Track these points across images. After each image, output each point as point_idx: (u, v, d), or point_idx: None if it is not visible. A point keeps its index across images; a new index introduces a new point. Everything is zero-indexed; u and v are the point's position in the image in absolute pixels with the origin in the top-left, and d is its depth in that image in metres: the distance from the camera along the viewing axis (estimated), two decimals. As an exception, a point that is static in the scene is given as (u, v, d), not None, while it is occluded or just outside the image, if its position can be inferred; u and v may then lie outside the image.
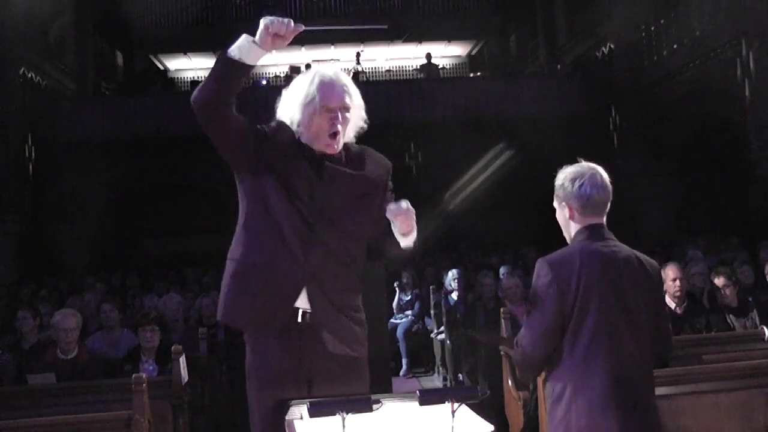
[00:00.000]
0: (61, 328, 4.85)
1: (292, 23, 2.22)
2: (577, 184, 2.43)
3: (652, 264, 2.45)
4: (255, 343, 2.45)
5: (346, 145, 2.48)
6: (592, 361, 2.30)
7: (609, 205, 2.47)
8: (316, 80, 2.40)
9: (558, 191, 2.49)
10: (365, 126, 2.49)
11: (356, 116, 2.46)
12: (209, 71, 2.29)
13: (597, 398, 2.28)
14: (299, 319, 2.38)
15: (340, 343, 2.41)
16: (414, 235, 2.41)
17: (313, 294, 2.38)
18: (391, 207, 2.32)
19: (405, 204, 2.31)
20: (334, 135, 2.38)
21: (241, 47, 2.25)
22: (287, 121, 2.45)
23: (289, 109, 2.45)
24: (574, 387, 2.31)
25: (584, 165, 2.48)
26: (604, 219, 2.47)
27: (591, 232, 2.42)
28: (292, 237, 2.36)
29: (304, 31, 2.24)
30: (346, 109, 2.40)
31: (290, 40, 2.24)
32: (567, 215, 2.47)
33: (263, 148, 2.37)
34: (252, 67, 2.28)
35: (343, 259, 2.43)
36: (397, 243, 2.43)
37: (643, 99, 13.03)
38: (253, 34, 2.25)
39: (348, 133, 2.46)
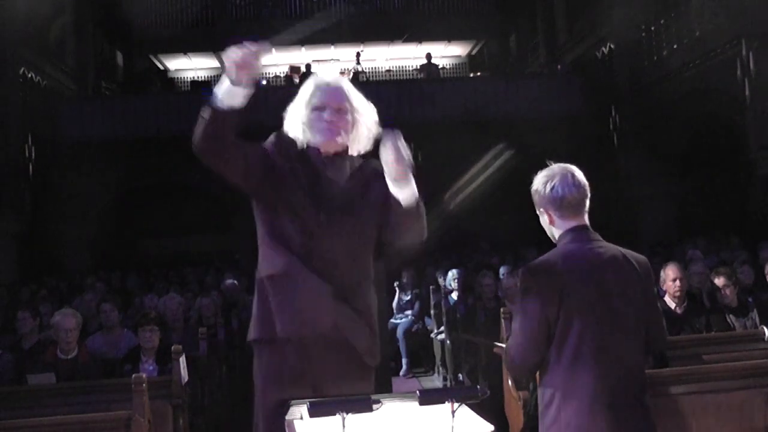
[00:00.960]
0: (61, 328, 4.85)
1: (251, 46, 2.19)
2: (548, 187, 2.38)
3: (640, 261, 2.39)
4: (267, 350, 2.45)
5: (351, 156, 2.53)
6: (579, 365, 2.27)
7: (587, 203, 2.41)
8: (312, 82, 2.51)
9: (534, 197, 2.44)
10: (375, 131, 2.51)
11: (362, 121, 2.51)
12: (200, 118, 2.26)
13: (586, 401, 2.26)
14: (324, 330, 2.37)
15: (358, 350, 2.42)
16: (412, 186, 2.36)
17: (333, 304, 2.38)
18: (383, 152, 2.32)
19: (392, 143, 2.30)
20: (330, 127, 2.43)
21: (222, 92, 2.24)
22: (294, 129, 2.50)
23: (293, 116, 2.51)
24: (564, 391, 2.29)
25: (555, 167, 2.42)
26: (586, 218, 2.41)
27: (574, 234, 2.37)
28: (297, 249, 2.39)
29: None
30: (341, 110, 2.45)
31: (259, 61, 2.21)
32: (547, 221, 2.43)
33: (270, 174, 2.42)
34: (239, 110, 2.26)
35: (347, 259, 2.42)
36: (403, 229, 2.42)
37: (643, 99, 13.02)
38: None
39: (360, 140, 2.52)
